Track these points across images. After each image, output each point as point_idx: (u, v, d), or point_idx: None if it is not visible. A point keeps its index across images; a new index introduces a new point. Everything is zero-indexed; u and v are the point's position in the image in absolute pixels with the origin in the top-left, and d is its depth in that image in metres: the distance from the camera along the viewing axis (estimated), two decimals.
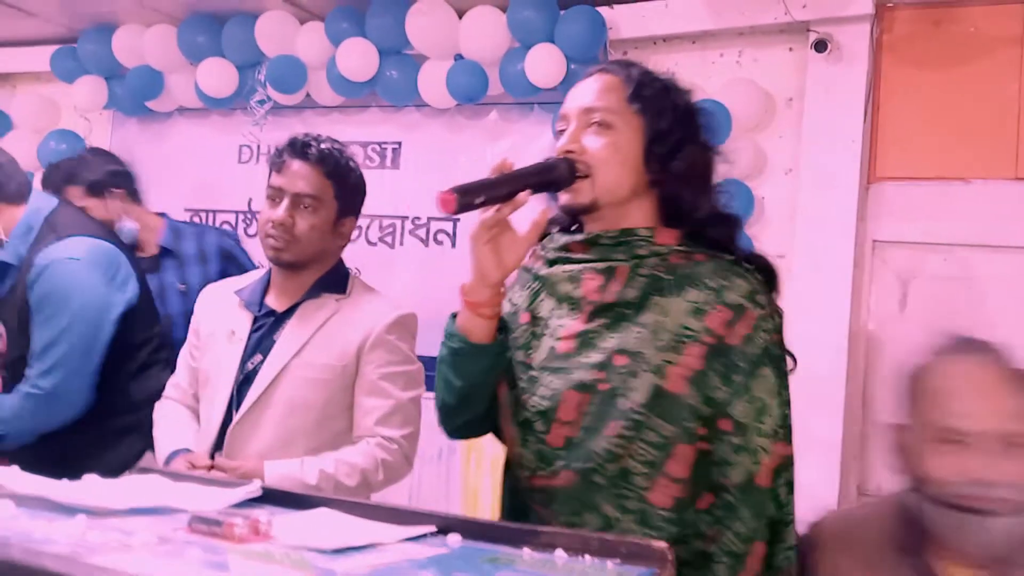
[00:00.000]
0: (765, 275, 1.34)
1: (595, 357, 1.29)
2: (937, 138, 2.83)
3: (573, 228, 1.42)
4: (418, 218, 3.43)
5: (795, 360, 1.36)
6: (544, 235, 1.43)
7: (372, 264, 3.40)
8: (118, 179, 2.57)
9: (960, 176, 2.80)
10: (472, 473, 3.13)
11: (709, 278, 1.29)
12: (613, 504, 1.26)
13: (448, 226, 3.38)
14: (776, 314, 1.33)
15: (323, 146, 1.81)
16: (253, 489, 1.06)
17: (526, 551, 0.90)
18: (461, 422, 1.43)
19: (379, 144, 3.52)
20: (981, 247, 2.77)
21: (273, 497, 1.07)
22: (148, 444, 1.94)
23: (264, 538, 0.85)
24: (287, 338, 1.76)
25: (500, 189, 1.24)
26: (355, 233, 3.41)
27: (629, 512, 1.25)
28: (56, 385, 2.00)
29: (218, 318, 1.85)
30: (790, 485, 1.29)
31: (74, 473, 2.02)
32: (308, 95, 3.50)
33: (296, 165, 1.77)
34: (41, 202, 2.14)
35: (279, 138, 3.56)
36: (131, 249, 2.42)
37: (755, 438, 1.25)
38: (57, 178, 2.53)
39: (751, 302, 1.28)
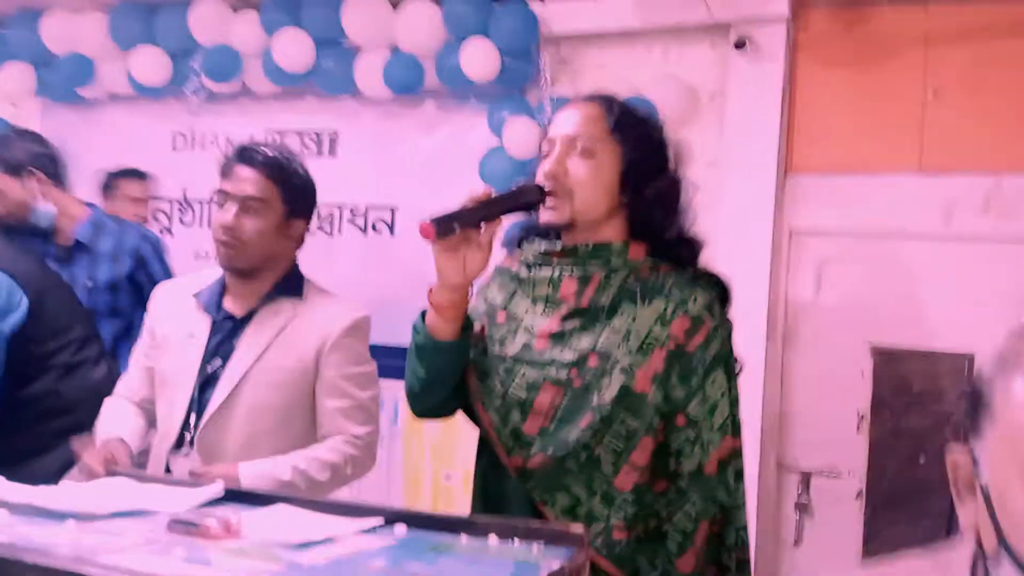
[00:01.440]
0: (720, 290, 1.54)
1: (569, 356, 1.46)
2: (848, 133, 3.00)
3: (550, 235, 1.56)
4: (356, 207, 3.49)
5: (741, 364, 1.55)
6: (522, 240, 1.60)
7: (311, 253, 3.44)
8: (38, 160, 2.54)
9: (869, 169, 2.98)
10: (414, 457, 3.24)
11: (674, 290, 1.47)
12: (582, 486, 1.42)
13: (387, 215, 3.45)
14: (728, 324, 1.52)
15: (269, 151, 1.86)
16: (216, 490, 1.14)
17: (463, 538, 1.02)
18: (426, 406, 1.60)
19: (316, 133, 3.56)
20: (889, 234, 2.96)
21: (234, 496, 1.16)
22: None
23: (235, 535, 0.94)
24: (247, 344, 1.82)
25: (475, 216, 1.37)
26: None
27: (595, 494, 1.42)
28: None
29: (174, 319, 1.90)
30: (739, 473, 1.49)
31: (22, 474, 2.07)
32: (243, 83, 3.52)
33: (242, 170, 1.83)
34: None
35: (214, 126, 3.63)
36: (44, 235, 2.44)
37: (706, 432, 1.44)
38: None
39: (708, 313, 1.47)
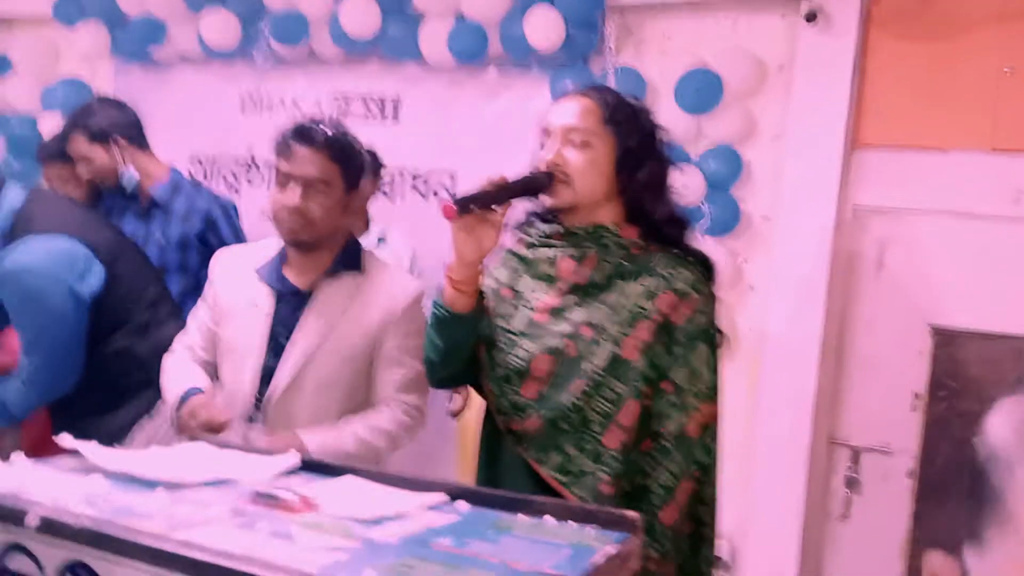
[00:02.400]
0: (705, 268, 1.67)
1: (565, 327, 1.61)
2: (919, 109, 2.94)
3: (550, 218, 1.71)
4: (417, 172, 3.54)
5: (725, 336, 1.69)
6: (526, 222, 1.74)
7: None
8: (120, 127, 2.66)
9: (939, 146, 2.93)
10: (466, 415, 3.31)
11: (661, 268, 1.61)
12: (574, 445, 1.58)
13: (447, 180, 3.49)
14: (712, 299, 1.66)
15: (328, 130, 1.89)
16: (293, 461, 1.21)
17: (520, 517, 1.08)
18: (443, 376, 1.75)
19: (379, 98, 3.60)
20: (956, 214, 2.91)
21: (307, 466, 1.23)
22: (158, 394, 2.08)
23: (313, 508, 1.01)
24: (314, 319, 1.88)
25: (491, 198, 1.51)
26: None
27: (586, 452, 1.57)
28: (47, 376, 2.21)
29: (237, 289, 1.95)
30: (715, 436, 1.64)
31: (99, 424, 2.19)
32: (310, 47, 3.57)
33: (302, 151, 1.85)
34: (10, 196, 2.24)
35: (280, 89, 3.69)
36: (124, 194, 2.57)
37: (689, 398, 1.59)
38: (66, 125, 2.64)
39: (693, 289, 1.61)
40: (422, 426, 1.96)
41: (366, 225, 3.02)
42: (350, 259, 1.95)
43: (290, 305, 1.91)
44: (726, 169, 3.09)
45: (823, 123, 3.00)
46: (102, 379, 2.24)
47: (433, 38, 3.31)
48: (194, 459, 1.18)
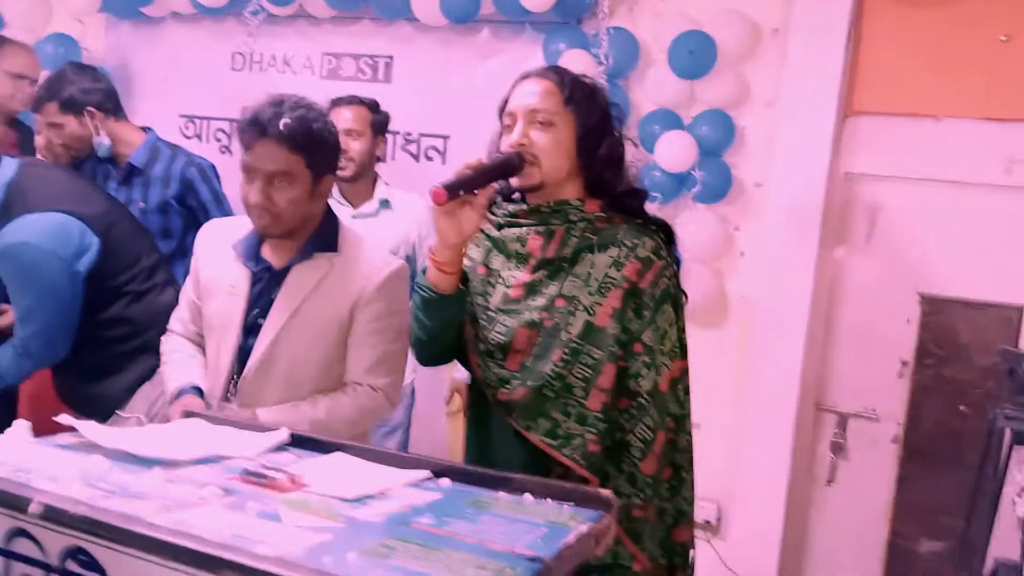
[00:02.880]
0: (666, 234, 1.76)
1: (540, 301, 1.69)
2: (914, 75, 2.93)
3: (515, 197, 1.76)
4: (409, 134, 3.52)
5: (687, 297, 1.78)
6: (492, 202, 1.77)
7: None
8: (93, 96, 2.63)
9: (933, 113, 2.92)
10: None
11: (625, 238, 1.69)
12: (559, 411, 1.65)
13: (439, 143, 3.48)
14: (674, 263, 1.75)
15: (286, 119, 1.79)
16: (283, 436, 1.23)
17: (501, 494, 1.10)
18: (431, 354, 1.81)
19: (371, 57, 3.57)
20: (948, 183, 2.92)
21: (299, 441, 1.25)
22: (158, 361, 2.12)
23: (300, 487, 1.03)
24: (285, 298, 1.86)
25: (475, 182, 1.58)
26: None
27: (571, 416, 1.65)
28: (39, 346, 2.23)
29: (217, 266, 1.93)
30: (686, 389, 1.74)
31: (100, 387, 2.22)
32: (301, 6, 3.53)
33: (262, 144, 1.79)
34: (3, 168, 2.24)
35: (272, 47, 3.65)
36: (108, 161, 2.62)
37: (659, 357, 1.67)
38: (40, 94, 2.61)
39: (656, 256, 1.69)
40: (390, 409, 1.95)
41: (372, 188, 3.00)
42: (324, 239, 1.91)
43: (266, 284, 1.89)
44: (718, 134, 3.08)
45: (817, 88, 2.98)
46: (100, 345, 2.26)
47: None
48: (188, 435, 1.20)
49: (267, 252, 1.92)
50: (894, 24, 2.93)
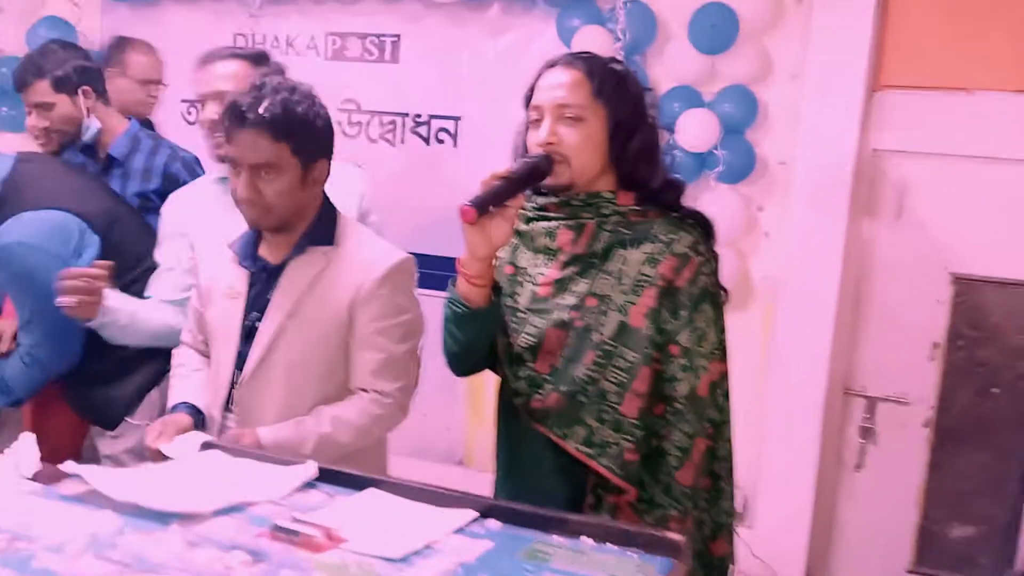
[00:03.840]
0: (704, 228, 1.65)
1: (570, 299, 1.59)
2: (944, 47, 2.81)
3: (544, 190, 1.66)
4: (419, 116, 3.41)
5: (728, 294, 1.69)
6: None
7: (373, 162, 3.40)
8: (86, 75, 2.49)
9: (964, 86, 2.81)
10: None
11: (660, 233, 1.59)
12: (594, 417, 1.56)
13: (450, 125, 3.37)
14: (713, 259, 1.64)
15: (265, 105, 1.66)
16: (311, 472, 1.15)
17: (556, 539, 1.02)
18: (467, 367, 1.73)
19: (377, 36, 3.44)
20: (981, 159, 2.81)
21: (325, 475, 1.16)
22: (165, 365, 2.04)
23: (337, 542, 0.95)
24: (280, 298, 1.73)
25: (504, 195, 1.49)
26: (355, 130, 3.47)
27: (606, 422, 1.56)
28: (47, 353, 2.13)
29: (215, 268, 1.83)
30: (726, 393, 1.64)
31: (106, 394, 2.13)
32: None
33: (243, 135, 1.67)
34: None
35: (275, 27, 3.52)
36: (85, 150, 2.45)
37: (697, 359, 1.58)
38: (26, 72, 2.45)
39: (694, 252, 1.59)
40: (402, 416, 1.80)
41: None
42: (321, 232, 1.77)
43: (264, 284, 1.77)
44: (741, 111, 2.97)
45: (843, 62, 2.87)
46: (105, 349, 2.16)
47: None
48: (205, 474, 1.11)
49: (264, 250, 1.79)
50: None
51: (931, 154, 2.87)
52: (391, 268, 1.75)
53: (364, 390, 1.75)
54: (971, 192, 2.84)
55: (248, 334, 1.76)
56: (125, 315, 2.05)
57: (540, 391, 1.60)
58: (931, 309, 2.91)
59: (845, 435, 3.06)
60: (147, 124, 3.05)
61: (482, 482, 1.75)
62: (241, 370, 1.77)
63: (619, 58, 1.69)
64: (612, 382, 1.56)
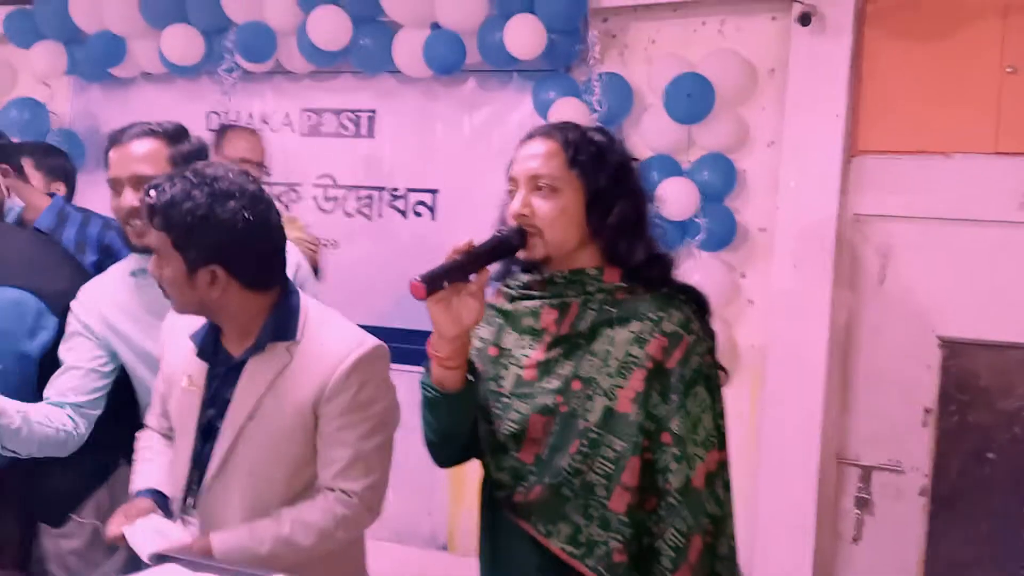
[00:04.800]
0: (698, 304, 1.57)
1: (555, 383, 1.51)
2: (919, 112, 2.82)
3: (530, 267, 1.59)
4: (396, 189, 3.38)
5: (727, 373, 1.59)
6: (506, 273, 1.63)
7: (350, 236, 3.37)
8: (3, 154, 2.43)
9: (941, 150, 2.81)
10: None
11: (649, 311, 1.50)
12: (580, 513, 1.46)
13: (428, 198, 3.34)
14: (708, 338, 1.55)
15: (153, 190, 1.57)
16: None
17: None
18: (447, 455, 1.62)
19: (353, 112, 3.44)
20: (962, 221, 2.80)
21: None
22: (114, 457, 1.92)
23: None
24: (239, 399, 1.62)
25: (462, 270, 1.41)
26: (331, 204, 3.43)
27: (593, 519, 1.46)
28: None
29: (176, 355, 1.72)
30: (726, 484, 1.53)
31: (48, 484, 1.94)
32: (278, 61, 3.40)
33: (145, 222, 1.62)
34: None
35: (248, 105, 3.51)
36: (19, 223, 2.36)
37: (690, 448, 1.47)
38: None
39: (685, 330, 1.50)
40: (370, 517, 1.65)
41: None
42: (279, 327, 1.63)
43: (223, 380, 1.65)
44: (719, 179, 2.96)
45: (820, 128, 2.87)
46: None
47: (408, 48, 3.15)
48: None
49: (228, 341, 1.66)
50: (896, 59, 2.83)
51: (912, 218, 2.86)
52: (358, 360, 1.60)
53: (329, 489, 1.61)
54: (954, 254, 2.82)
55: (206, 431, 1.65)
56: (18, 418, 1.78)
57: (524, 483, 1.51)
58: (921, 374, 2.85)
59: (841, 506, 2.97)
60: None
61: (465, 568, 1.65)
62: (200, 470, 1.65)
63: (604, 128, 1.63)
64: (599, 474, 1.46)
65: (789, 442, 2.88)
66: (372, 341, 1.64)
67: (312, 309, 1.68)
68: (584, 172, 1.52)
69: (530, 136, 1.59)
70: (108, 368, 1.95)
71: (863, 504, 2.93)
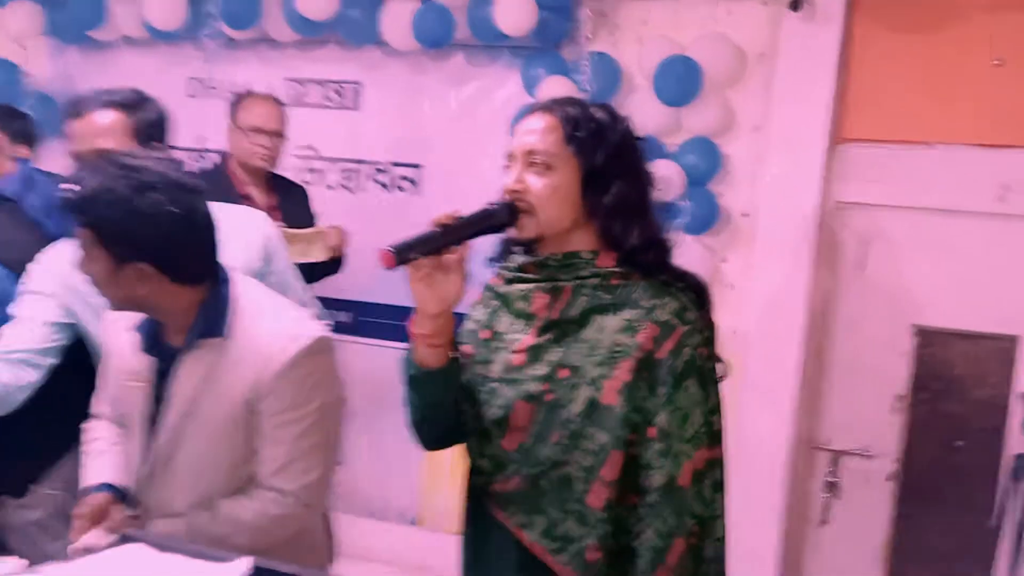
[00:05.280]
0: (697, 293, 1.48)
1: (541, 370, 1.45)
2: (905, 102, 2.83)
3: (527, 248, 1.53)
4: (379, 163, 3.35)
5: (725, 366, 1.50)
6: (506, 254, 1.57)
7: (332, 210, 3.34)
8: None
9: (925, 140, 2.82)
10: None
11: (643, 298, 1.43)
12: (557, 507, 1.42)
13: (412, 172, 3.32)
14: (705, 328, 1.46)
15: (73, 185, 1.50)
16: (242, 569, 1.06)
17: None
18: (432, 436, 1.57)
19: (338, 83, 3.39)
20: (943, 211, 2.82)
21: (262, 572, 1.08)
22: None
23: None
24: (175, 396, 1.58)
25: (439, 242, 1.34)
26: (313, 176, 3.40)
27: (570, 514, 1.41)
28: None
29: (120, 348, 1.67)
30: (716, 484, 1.44)
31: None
32: (262, 29, 3.34)
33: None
34: None
35: (231, 73, 3.46)
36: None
37: (677, 444, 1.39)
38: None
39: (679, 319, 1.41)
40: (307, 515, 1.61)
41: None
42: (208, 323, 1.56)
43: (168, 374, 1.59)
44: (704, 163, 2.96)
45: (805, 115, 2.88)
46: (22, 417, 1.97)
47: (396, 21, 3.11)
48: (132, 571, 1.02)
49: (169, 334, 1.61)
50: (885, 49, 2.83)
51: (894, 207, 2.88)
52: (294, 356, 1.53)
53: (265, 489, 1.57)
54: (933, 244, 2.85)
55: (155, 423, 1.61)
56: None
57: (504, 472, 1.45)
58: (894, 361, 2.89)
59: (810, 490, 3.02)
60: (271, 181, 2.93)
61: (435, 543, 1.64)
62: (147, 463, 1.62)
63: (608, 105, 1.53)
64: (579, 467, 1.40)
65: (762, 426, 2.92)
66: (310, 334, 1.56)
67: (246, 300, 1.60)
68: (581, 149, 1.44)
69: (531, 110, 1.52)
70: (63, 322, 1.89)
71: (831, 488, 2.98)
